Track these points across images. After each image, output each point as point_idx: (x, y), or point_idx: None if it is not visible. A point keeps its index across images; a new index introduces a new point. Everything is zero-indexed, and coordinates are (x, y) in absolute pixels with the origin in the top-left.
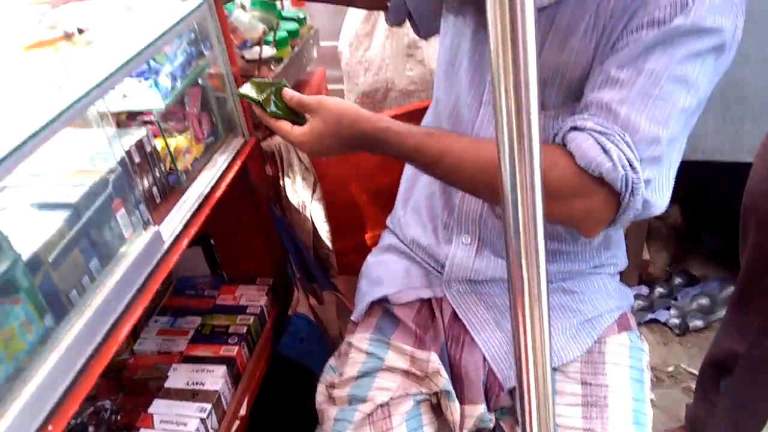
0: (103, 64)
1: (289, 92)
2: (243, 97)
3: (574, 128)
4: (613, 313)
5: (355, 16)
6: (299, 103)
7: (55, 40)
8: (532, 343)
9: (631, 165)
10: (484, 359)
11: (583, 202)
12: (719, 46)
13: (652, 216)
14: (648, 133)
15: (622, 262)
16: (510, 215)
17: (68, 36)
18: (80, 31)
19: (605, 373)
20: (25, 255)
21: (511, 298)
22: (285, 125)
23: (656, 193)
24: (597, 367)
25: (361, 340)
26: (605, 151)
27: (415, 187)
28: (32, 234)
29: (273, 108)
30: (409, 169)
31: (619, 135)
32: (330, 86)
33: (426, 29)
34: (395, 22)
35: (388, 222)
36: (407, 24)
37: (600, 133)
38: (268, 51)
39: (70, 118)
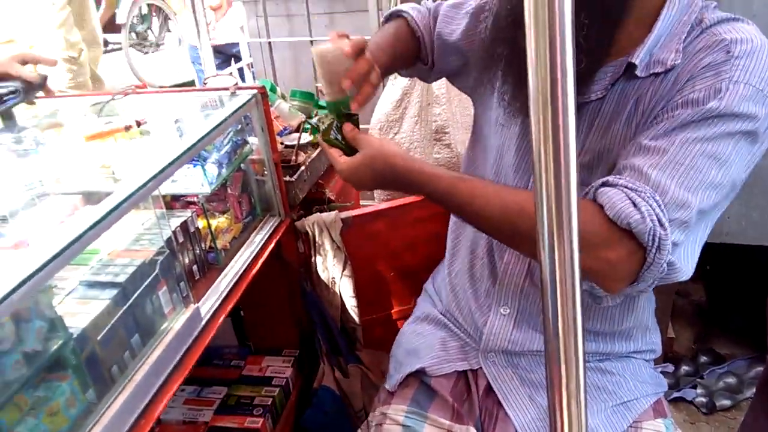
0: (161, 156)
1: (349, 126)
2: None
3: (605, 184)
4: (649, 398)
5: (385, 102)
6: (353, 138)
7: (113, 132)
8: (568, 422)
9: (659, 221)
10: None
11: (608, 254)
12: (752, 132)
13: (676, 281)
14: (678, 196)
15: (658, 349)
16: (549, 291)
17: (127, 128)
18: (138, 124)
19: None
20: (75, 333)
21: (548, 374)
22: (335, 153)
23: (683, 259)
24: None
25: (397, 411)
26: (635, 204)
27: (458, 254)
28: (82, 313)
29: (333, 136)
30: (452, 238)
31: (650, 193)
32: None
33: (435, 78)
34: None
35: (427, 287)
36: (435, 111)
37: (631, 189)
38: (306, 137)
39: (132, 205)
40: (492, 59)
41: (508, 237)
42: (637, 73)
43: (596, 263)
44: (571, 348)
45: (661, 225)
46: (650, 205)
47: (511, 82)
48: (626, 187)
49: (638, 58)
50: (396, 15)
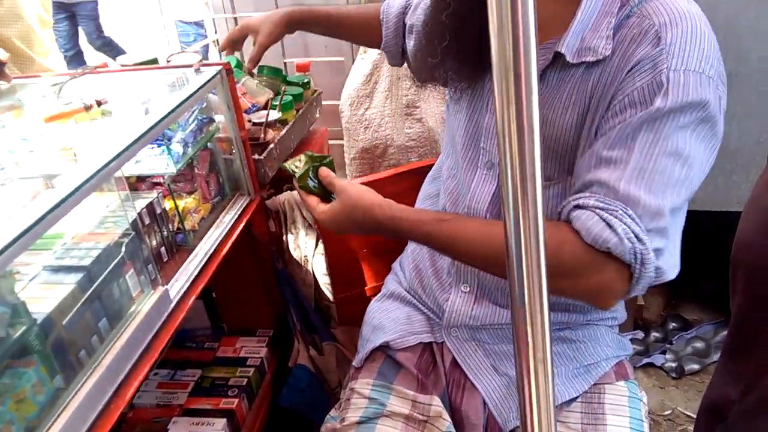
0: (122, 135)
1: (324, 171)
2: (284, 169)
3: (578, 206)
4: (610, 360)
5: (355, 77)
6: (329, 183)
7: (74, 112)
8: (536, 389)
9: (637, 237)
10: (484, 403)
11: (596, 278)
12: (707, 118)
13: (667, 281)
14: (650, 205)
15: (621, 315)
16: (515, 268)
17: (87, 108)
18: (99, 104)
19: (606, 423)
20: (39, 319)
21: (516, 354)
22: (313, 200)
23: (669, 260)
24: (597, 417)
25: (363, 385)
26: (610, 226)
27: None
28: (46, 297)
29: (310, 183)
30: None
31: (622, 209)
32: (331, 142)
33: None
34: (393, 64)
35: (394, 265)
36: (405, 85)
37: (603, 209)
38: (274, 114)
39: (93, 187)
40: (438, 35)
41: (498, 272)
42: (569, 60)
43: (587, 288)
44: (537, 317)
45: (640, 240)
46: (625, 223)
47: (453, 59)
48: (598, 207)
49: (565, 46)
50: None
